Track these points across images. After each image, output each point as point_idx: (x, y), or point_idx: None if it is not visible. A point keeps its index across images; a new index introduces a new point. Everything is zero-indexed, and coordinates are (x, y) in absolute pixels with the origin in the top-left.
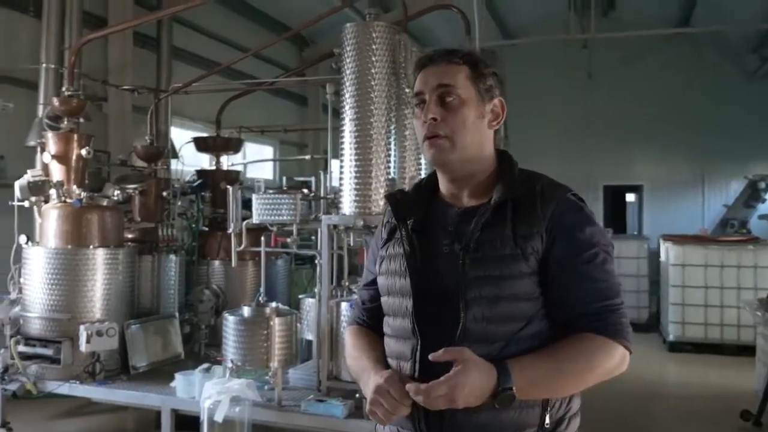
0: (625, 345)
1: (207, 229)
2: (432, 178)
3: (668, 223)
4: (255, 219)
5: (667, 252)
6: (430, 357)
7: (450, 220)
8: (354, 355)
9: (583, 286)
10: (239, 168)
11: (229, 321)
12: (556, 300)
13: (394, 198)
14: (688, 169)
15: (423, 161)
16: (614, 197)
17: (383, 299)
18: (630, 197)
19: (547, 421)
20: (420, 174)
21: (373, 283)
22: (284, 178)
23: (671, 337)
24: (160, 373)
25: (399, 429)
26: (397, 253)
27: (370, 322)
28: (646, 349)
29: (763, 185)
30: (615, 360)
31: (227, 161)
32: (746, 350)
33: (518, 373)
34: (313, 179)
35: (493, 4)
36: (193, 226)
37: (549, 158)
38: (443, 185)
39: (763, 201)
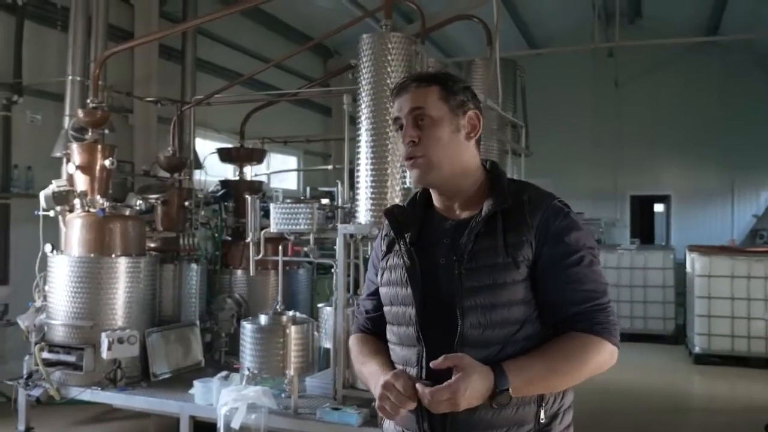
0: (613, 342)
1: (230, 238)
2: (426, 191)
3: (696, 233)
4: (273, 228)
5: (693, 263)
6: (431, 365)
7: (445, 232)
8: (362, 360)
9: (572, 288)
10: (263, 178)
11: (246, 329)
12: (547, 302)
13: (392, 213)
14: (716, 179)
15: None
16: (642, 207)
17: (386, 308)
18: (658, 207)
19: (542, 416)
20: None
21: (376, 293)
22: (308, 188)
23: (697, 349)
24: (180, 381)
25: (404, 430)
26: (398, 264)
27: (374, 329)
28: (672, 362)
29: None
30: (604, 356)
31: (251, 172)
32: None
33: (514, 375)
34: (336, 189)
35: (519, 15)
36: (216, 235)
37: (576, 168)
38: (436, 199)
39: None
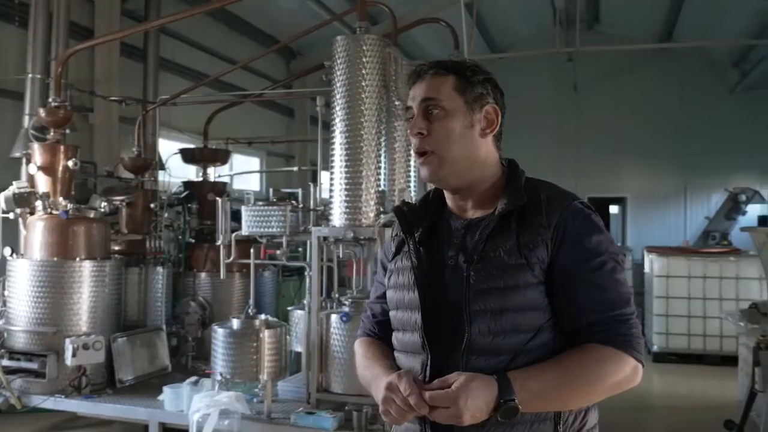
0: (636, 357)
1: (194, 240)
2: (440, 189)
3: (651, 234)
4: (244, 231)
5: (651, 263)
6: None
7: (456, 232)
8: (365, 364)
9: (591, 295)
10: (226, 179)
11: (218, 333)
12: (563, 309)
13: (401, 211)
14: (670, 182)
15: (413, 173)
16: (598, 209)
17: (392, 314)
18: (614, 209)
19: None
20: (410, 186)
21: (384, 296)
22: (271, 190)
23: (655, 348)
24: (147, 386)
25: None
26: (405, 266)
27: (381, 334)
28: None
29: (743, 198)
30: (625, 372)
31: (214, 173)
32: (729, 360)
33: (520, 385)
34: (299, 191)
35: (482, 21)
36: (180, 237)
37: (534, 170)
38: (448, 197)
39: (744, 213)
